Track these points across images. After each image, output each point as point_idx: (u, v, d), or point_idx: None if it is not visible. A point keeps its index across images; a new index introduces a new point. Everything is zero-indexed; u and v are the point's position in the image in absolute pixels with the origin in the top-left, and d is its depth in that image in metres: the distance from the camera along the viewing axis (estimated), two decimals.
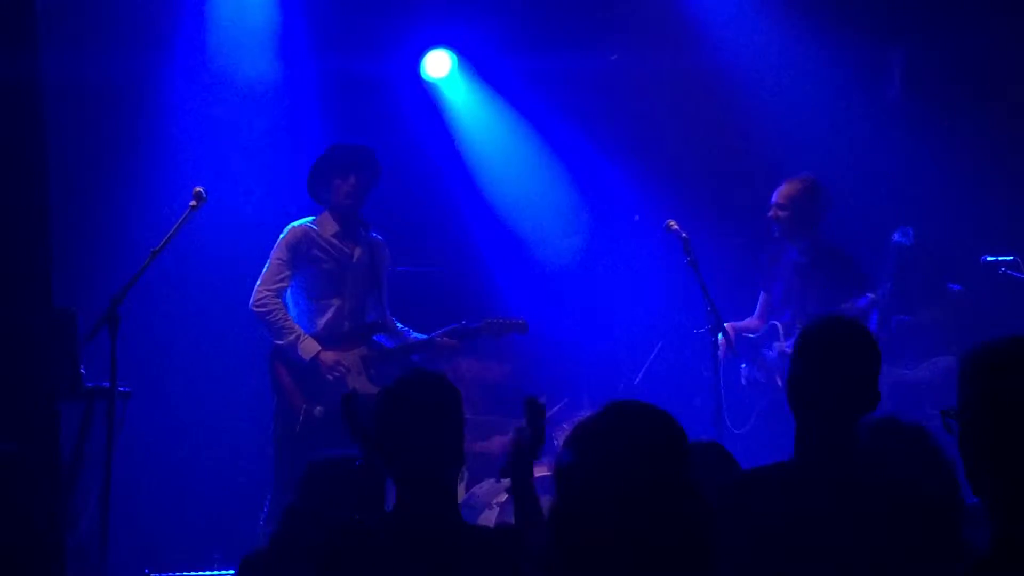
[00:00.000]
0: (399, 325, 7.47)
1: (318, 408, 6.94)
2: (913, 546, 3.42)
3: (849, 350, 3.66)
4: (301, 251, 7.15)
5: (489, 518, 7.42)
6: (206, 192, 6.82)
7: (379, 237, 7.40)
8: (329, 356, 7.07)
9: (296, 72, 8.94)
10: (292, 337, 7.06)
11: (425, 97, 9.47)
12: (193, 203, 6.78)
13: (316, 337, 7.10)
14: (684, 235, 7.30)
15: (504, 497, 7.65)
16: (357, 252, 7.26)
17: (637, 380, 8.73)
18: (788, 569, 3.43)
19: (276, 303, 7.09)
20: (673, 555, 2.67)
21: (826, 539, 3.44)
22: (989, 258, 7.78)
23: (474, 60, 9.48)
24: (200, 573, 6.63)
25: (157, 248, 6.58)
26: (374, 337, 7.31)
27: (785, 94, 9.49)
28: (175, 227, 6.67)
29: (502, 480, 7.77)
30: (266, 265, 7.16)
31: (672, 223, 7.40)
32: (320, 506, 4.81)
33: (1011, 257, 7.69)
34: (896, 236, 8.02)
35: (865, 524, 3.45)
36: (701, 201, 8.88)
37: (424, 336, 7.41)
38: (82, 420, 6.62)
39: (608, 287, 9.18)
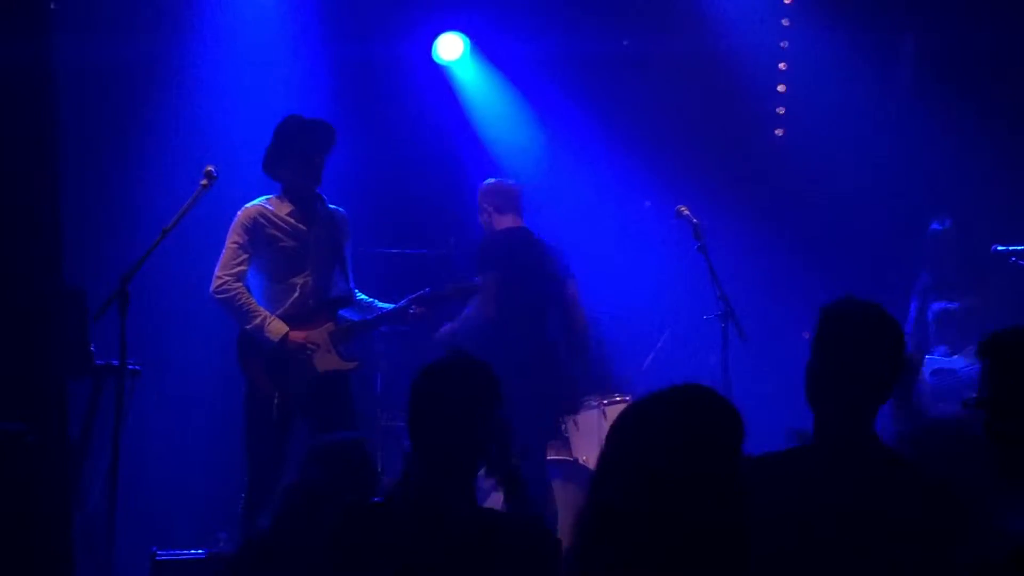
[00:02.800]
0: (364, 297, 7.32)
1: (292, 390, 6.88)
2: (935, 536, 3.39)
3: (870, 337, 3.59)
4: (257, 232, 6.95)
5: (497, 500, 7.40)
6: (217, 171, 6.80)
7: (339, 209, 7.22)
8: (298, 336, 6.89)
9: (310, 54, 8.94)
10: (258, 320, 6.87)
11: (437, 79, 9.47)
12: (204, 182, 6.74)
13: (281, 317, 6.93)
14: (695, 221, 7.30)
15: None
16: (315, 228, 7.07)
17: (645, 366, 8.74)
18: (795, 555, 3.40)
19: (237, 287, 6.90)
20: (713, 539, 2.66)
21: (841, 526, 3.42)
22: (999, 247, 7.76)
23: (486, 44, 9.48)
24: (206, 552, 6.62)
25: (168, 227, 6.56)
26: (340, 312, 7.18)
27: (796, 81, 9.49)
28: (186, 206, 6.64)
29: None
30: (223, 250, 6.97)
31: (683, 209, 7.40)
32: (321, 487, 4.82)
33: (1022, 247, 7.67)
34: (933, 224, 8.06)
35: (880, 513, 3.43)
36: (711, 187, 8.88)
37: (391, 306, 7.24)
38: (91, 398, 6.63)
39: (617, 272, 9.17)
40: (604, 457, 2.80)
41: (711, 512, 2.64)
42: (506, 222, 7.71)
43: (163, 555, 6.35)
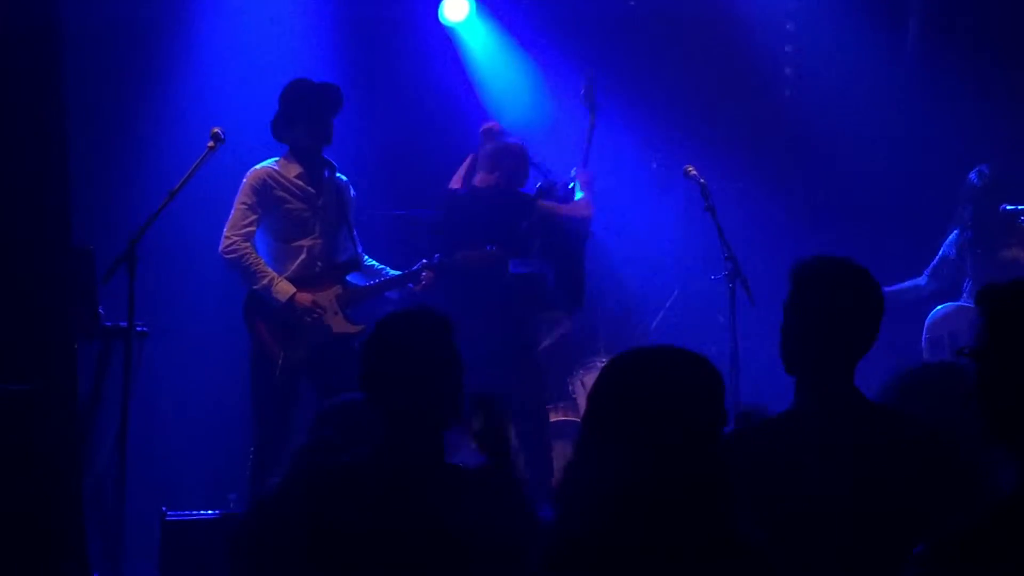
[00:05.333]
0: (373, 262, 7.39)
1: (298, 352, 6.92)
2: (919, 488, 3.39)
3: (841, 290, 3.54)
4: (266, 194, 6.99)
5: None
6: (223, 133, 6.81)
7: (343, 177, 7.28)
8: (305, 297, 6.94)
9: (315, 13, 8.91)
10: (266, 280, 6.92)
11: (443, 41, 9.44)
12: (211, 143, 6.76)
13: (289, 279, 6.97)
14: (702, 181, 7.28)
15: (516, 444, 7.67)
16: (323, 191, 7.11)
17: (654, 325, 8.75)
18: (782, 520, 3.37)
19: (246, 247, 6.94)
20: (692, 498, 2.66)
21: (822, 488, 3.41)
22: (1008, 207, 7.73)
23: (492, 4, 9.44)
24: (215, 512, 6.66)
25: (175, 188, 6.57)
26: (347, 276, 7.21)
27: (803, 41, 9.46)
28: (193, 167, 6.66)
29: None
30: (232, 211, 7.01)
31: (690, 169, 7.39)
32: (330, 447, 4.83)
33: None
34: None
35: (864, 471, 3.42)
36: (719, 147, 8.86)
37: (399, 272, 7.32)
38: (99, 360, 6.65)
39: (625, 233, 9.16)
40: (585, 420, 2.80)
41: (692, 469, 2.64)
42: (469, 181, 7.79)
43: (173, 515, 6.38)
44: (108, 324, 6.54)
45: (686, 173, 7.38)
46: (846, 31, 9.23)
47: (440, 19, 9.35)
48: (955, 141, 8.68)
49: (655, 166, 9.33)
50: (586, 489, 2.72)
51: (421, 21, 9.35)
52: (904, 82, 9.09)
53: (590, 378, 8.10)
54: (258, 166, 7.07)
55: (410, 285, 7.29)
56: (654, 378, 2.73)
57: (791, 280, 3.60)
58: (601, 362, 8.16)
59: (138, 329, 6.47)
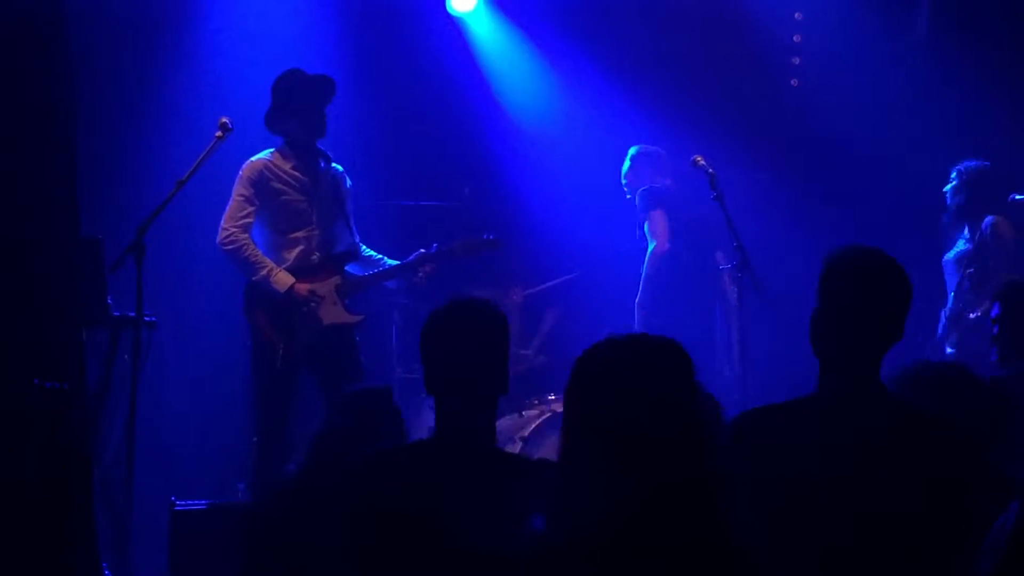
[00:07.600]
0: (372, 252, 7.41)
1: (298, 342, 6.94)
2: (938, 479, 3.39)
3: (875, 280, 3.57)
4: (263, 185, 7.03)
5: (512, 451, 7.45)
6: (231, 123, 6.81)
7: (339, 167, 7.30)
8: (303, 287, 6.98)
9: (323, 3, 8.91)
10: (264, 271, 6.96)
11: (450, 31, 9.44)
12: (219, 133, 6.77)
13: (288, 270, 7.01)
14: (711, 170, 7.26)
15: (527, 431, 7.69)
16: (319, 182, 7.14)
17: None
18: (803, 503, 3.40)
19: (244, 238, 6.98)
20: (679, 482, 2.65)
21: (845, 471, 3.41)
22: (1018, 196, 7.69)
23: None
24: (224, 501, 6.67)
25: (183, 178, 6.58)
26: (346, 266, 7.24)
27: (811, 31, 9.44)
28: (201, 157, 6.67)
29: (524, 414, 7.86)
30: (229, 203, 7.05)
31: (699, 158, 7.37)
32: (347, 435, 4.85)
33: None
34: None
35: (886, 457, 3.42)
36: (727, 137, 8.85)
37: (397, 262, 7.34)
38: (108, 350, 6.66)
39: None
40: (565, 418, 2.79)
41: (674, 455, 2.63)
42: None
43: (182, 505, 6.39)
44: (116, 314, 6.55)
45: (694, 163, 7.38)
46: (854, 20, 9.22)
47: (448, 9, 9.35)
48: (965, 131, 8.67)
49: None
50: (575, 492, 2.71)
51: (429, 11, 9.35)
52: (913, 72, 9.07)
53: None
54: (254, 158, 7.12)
55: (408, 274, 7.30)
56: (626, 370, 2.71)
57: (823, 267, 3.63)
58: None
59: (146, 319, 6.47)
